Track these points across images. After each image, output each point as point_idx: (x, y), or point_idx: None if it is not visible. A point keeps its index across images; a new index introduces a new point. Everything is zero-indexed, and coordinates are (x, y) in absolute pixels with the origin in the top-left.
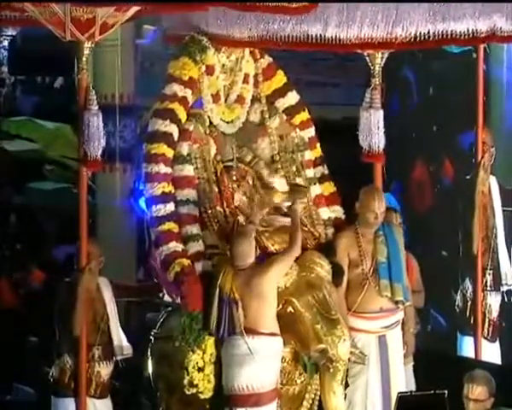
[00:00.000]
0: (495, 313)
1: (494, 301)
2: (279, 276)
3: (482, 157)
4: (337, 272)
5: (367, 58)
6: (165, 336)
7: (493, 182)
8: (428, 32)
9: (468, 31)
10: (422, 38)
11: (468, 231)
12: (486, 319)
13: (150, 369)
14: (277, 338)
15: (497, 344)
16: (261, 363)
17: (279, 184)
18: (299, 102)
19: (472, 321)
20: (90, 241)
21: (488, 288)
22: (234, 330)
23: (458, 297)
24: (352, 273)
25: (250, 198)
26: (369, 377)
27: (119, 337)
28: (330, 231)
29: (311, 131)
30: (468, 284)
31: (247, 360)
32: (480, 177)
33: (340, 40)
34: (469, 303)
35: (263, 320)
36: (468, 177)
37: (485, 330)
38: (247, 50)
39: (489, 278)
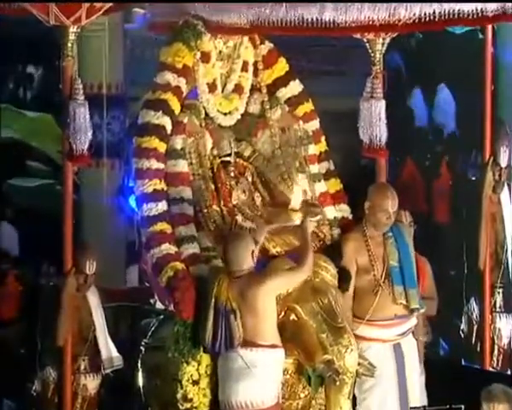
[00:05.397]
0: (505, 339)
1: (504, 325)
2: (278, 290)
3: (490, 156)
4: (344, 276)
5: (367, 44)
6: (157, 346)
7: (504, 188)
8: (434, 13)
9: (476, 10)
10: (427, 18)
11: (473, 242)
12: (495, 346)
13: (141, 382)
14: (279, 350)
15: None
16: (261, 377)
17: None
18: (303, 92)
19: (478, 348)
20: (86, 251)
21: (497, 309)
22: (232, 344)
23: (463, 320)
24: (362, 279)
25: (249, 197)
26: (385, 393)
27: (108, 348)
28: (336, 231)
29: (315, 124)
30: (473, 304)
31: (245, 375)
32: (487, 179)
33: (338, 24)
34: (475, 327)
35: (262, 332)
36: (473, 178)
37: (494, 360)
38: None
39: (498, 297)
